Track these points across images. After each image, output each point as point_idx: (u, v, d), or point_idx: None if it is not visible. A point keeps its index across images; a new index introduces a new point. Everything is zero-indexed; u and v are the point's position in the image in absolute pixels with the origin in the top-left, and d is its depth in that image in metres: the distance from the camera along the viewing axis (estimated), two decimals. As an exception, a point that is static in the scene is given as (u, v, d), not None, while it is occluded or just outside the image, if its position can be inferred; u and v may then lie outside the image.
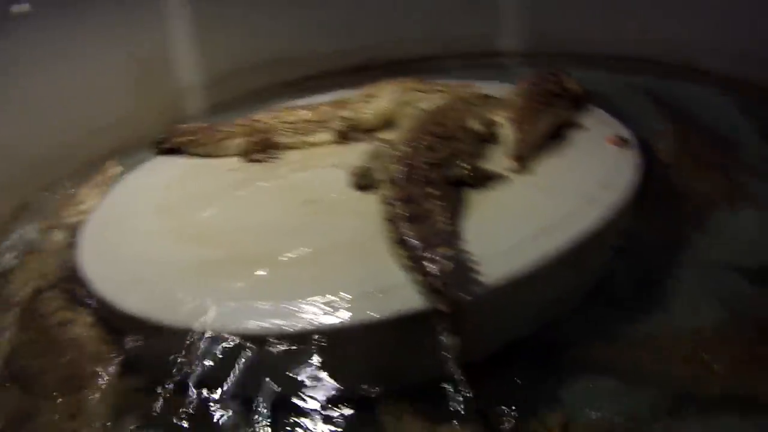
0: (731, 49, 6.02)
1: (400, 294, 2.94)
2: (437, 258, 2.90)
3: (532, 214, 3.53)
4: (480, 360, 2.93)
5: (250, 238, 3.66)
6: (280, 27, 7.06)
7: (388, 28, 7.38)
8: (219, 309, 3.11)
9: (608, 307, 3.49)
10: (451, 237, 3.19)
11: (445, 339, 2.69)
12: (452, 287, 2.82)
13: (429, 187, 3.38)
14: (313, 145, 4.73)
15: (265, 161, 4.61)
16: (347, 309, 2.97)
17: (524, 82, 4.58)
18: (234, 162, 4.69)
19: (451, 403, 2.70)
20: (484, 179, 3.81)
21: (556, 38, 7.12)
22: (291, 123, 4.73)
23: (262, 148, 4.67)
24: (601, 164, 4.04)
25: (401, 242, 3.07)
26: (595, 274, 3.66)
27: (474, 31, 7.46)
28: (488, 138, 4.21)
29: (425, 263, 2.90)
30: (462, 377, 2.65)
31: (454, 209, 3.50)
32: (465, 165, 3.76)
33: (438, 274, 2.85)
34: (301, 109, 4.85)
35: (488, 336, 3.15)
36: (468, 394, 2.65)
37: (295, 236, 3.59)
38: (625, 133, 4.38)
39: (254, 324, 2.99)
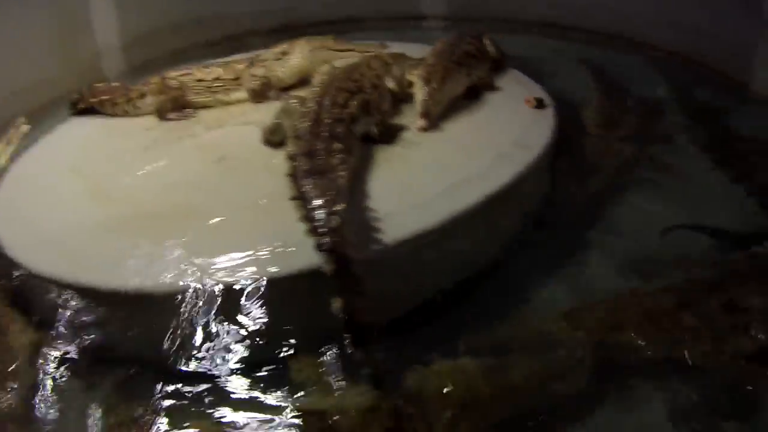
0: (666, 21, 6.11)
1: (306, 250, 2.88)
2: (328, 215, 2.84)
3: (443, 170, 3.56)
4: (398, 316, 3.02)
5: (162, 196, 3.60)
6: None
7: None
8: (126, 267, 3.06)
9: (518, 272, 3.53)
10: (349, 193, 3.15)
11: (331, 299, 2.66)
12: (342, 245, 2.76)
13: (334, 141, 3.33)
14: (227, 103, 4.67)
15: (180, 119, 4.54)
16: (254, 265, 2.96)
17: (440, 42, 4.57)
18: (150, 121, 4.58)
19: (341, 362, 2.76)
20: (392, 135, 3.83)
21: (485, 2, 7.12)
22: (203, 81, 4.65)
23: (175, 106, 4.59)
24: (516, 124, 4.09)
25: (298, 197, 3.01)
26: (507, 235, 3.70)
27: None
28: (402, 96, 4.21)
29: (315, 221, 2.84)
30: (351, 337, 2.64)
31: (360, 165, 3.50)
32: (373, 120, 3.76)
33: (326, 231, 2.79)
34: (214, 66, 4.77)
35: (400, 294, 3.16)
36: (358, 354, 2.65)
37: (206, 193, 3.55)
38: (543, 95, 4.42)
39: (160, 281, 2.96)
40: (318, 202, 2.90)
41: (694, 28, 5.81)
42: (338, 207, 2.87)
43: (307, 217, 2.87)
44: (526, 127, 4.06)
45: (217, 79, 4.66)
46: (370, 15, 7.32)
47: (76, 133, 4.63)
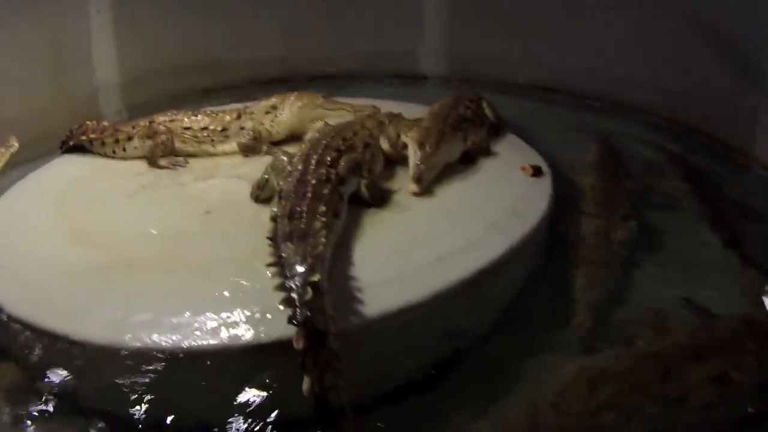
0: (656, 84, 6.14)
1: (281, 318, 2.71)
2: (303, 285, 2.64)
3: (433, 239, 3.45)
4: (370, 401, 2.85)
5: (144, 246, 3.50)
6: (206, 32, 6.91)
7: (315, 41, 7.32)
8: (97, 318, 2.97)
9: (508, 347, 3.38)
10: (331, 260, 3.01)
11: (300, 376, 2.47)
12: (317, 320, 2.56)
13: (319, 203, 3.19)
14: (213, 154, 4.60)
15: (171, 168, 4.46)
16: (228, 329, 2.84)
17: (438, 104, 4.52)
18: (140, 166, 4.49)
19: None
20: (382, 198, 3.73)
21: (479, 64, 7.16)
22: (190, 129, 4.58)
23: (165, 153, 4.51)
24: (512, 192, 4.01)
25: (275, 263, 2.86)
26: (498, 309, 3.58)
27: (398, 50, 7.46)
28: (396, 158, 4.14)
29: (290, 291, 2.66)
30: (320, 420, 2.45)
31: (345, 229, 3.38)
32: (363, 181, 3.65)
33: (299, 303, 2.59)
34: (203, 115, 4.68)
35: (377, 374, 3.01)
36: None
37: (188, 247, 3.45)
38: (539, 161, 4.36)
39: (130, 337, 2.85)
40: (295, 270, 2.73)
41: (690, 95, 5.85)
42: (315, 277, 2.68)
43: (282, 285, 2.70)
44: (522, 195, 3.99)
45: (204, 129, 4.59)
46: (371, 72, 7.32)
47: (64, 172, 4.54)
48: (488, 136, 4.59)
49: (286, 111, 4.64)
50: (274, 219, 3.13)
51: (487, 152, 4.42)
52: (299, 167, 3.46)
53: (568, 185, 4.62)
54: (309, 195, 3.22)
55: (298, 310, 2.57)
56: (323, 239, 2.96)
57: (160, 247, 3.48)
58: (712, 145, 5.62)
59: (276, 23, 7.19)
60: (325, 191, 3.30)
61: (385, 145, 4.10)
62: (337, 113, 4.54)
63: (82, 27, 6.14)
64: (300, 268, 2.74)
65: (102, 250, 3.47)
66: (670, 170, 5.17)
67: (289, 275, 2.72)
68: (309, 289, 2.60)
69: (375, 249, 3.34)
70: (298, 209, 3.11)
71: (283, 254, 2.84)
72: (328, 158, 3.54)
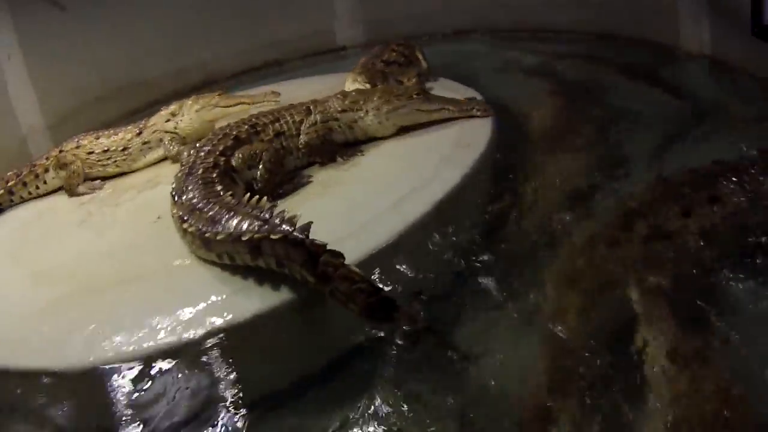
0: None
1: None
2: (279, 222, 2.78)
3: (389, 186, 3.47)
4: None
5: (104, 266, 3.43)
6: (121, 55, 6.80)
7: (232, 38, 7.27)
8: (63, 345, 2.91)
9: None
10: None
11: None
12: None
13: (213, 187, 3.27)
14: (124, 173, 4.58)
15: (91, 192, 4.42)
16: (204, 318, 2.81)
17: (364, 57, 4.50)
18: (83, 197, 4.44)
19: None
20: (272, 190, 3.63)
21: (393, 25, 7.07)
22: (93, 153, 4.53)
23: (79, 181, 4.47)
24: (455, 126, 4.00)
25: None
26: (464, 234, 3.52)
27: (314, 29, 7.44)
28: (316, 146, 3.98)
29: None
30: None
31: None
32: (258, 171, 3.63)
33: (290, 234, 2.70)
34: (104, 136, 4.62)
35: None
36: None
37: (148, 255, 3.40)
38: (477, 96, 4.35)
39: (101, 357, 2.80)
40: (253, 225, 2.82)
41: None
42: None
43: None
44: (467, 127, 3.98)
45: (106, 151, 4.54)
46: (293, 56, 7.30)
47: (9, 222, 4.46)
48: (420, 77, 4.56)
49: (185, 116, 4.57)
50: (181, 220, 3.16)
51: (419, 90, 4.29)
52: (190, 161, 3.52)
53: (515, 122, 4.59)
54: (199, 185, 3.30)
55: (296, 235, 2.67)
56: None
57: (120, 262, 3.43)
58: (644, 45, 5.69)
59: (189, 31, 7.11)
60: (214, 175, 3.37)
61: (302, 138, 3.94)
62: (236, 108, 4.49)
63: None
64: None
65: (64, 282, 3.40)
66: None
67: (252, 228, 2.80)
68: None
69: (334, 205, 3.35)
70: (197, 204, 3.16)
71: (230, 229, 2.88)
72: (221, 147, 3.59)
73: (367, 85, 4.23)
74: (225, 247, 2.87)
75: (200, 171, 3.35)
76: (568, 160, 4.06)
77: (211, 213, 3.01)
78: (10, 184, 4.56)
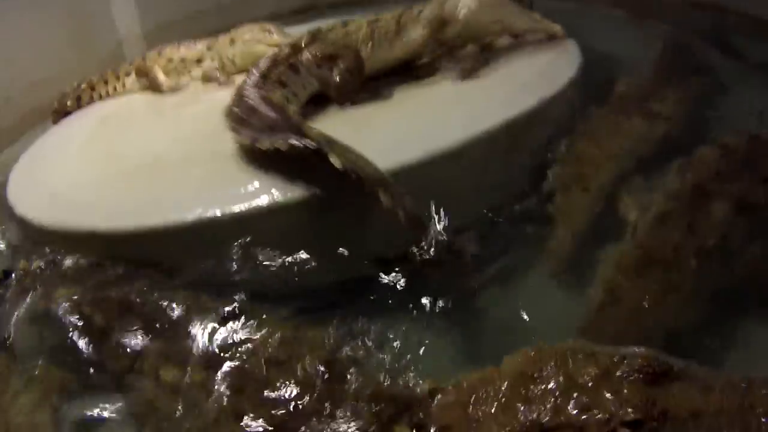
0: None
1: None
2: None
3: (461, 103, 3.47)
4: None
5: (174, 146, 3.64)
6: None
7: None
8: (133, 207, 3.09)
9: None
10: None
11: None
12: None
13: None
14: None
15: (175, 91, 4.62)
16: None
17: None
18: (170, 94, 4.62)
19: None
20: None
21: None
22: (172, 61, 4.71)
23: (159, 85, 4.64)
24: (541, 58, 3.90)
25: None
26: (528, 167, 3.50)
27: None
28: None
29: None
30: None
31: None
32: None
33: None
34: (182, 46, 4.79)
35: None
36: None
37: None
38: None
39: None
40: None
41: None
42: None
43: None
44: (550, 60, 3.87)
45: (183, 60, 4.70)
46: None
47: (92, 115, 4.66)
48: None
49: (238, 44, 4.58)
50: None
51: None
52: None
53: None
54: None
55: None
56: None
57: (191, 145, 3.59)
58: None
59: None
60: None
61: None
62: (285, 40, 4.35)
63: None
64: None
65: (139, 158, 3.58)
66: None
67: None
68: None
69: (404, 121, 3.37)
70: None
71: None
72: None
73: None
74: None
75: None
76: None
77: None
78: (94, 80, 4.85)
